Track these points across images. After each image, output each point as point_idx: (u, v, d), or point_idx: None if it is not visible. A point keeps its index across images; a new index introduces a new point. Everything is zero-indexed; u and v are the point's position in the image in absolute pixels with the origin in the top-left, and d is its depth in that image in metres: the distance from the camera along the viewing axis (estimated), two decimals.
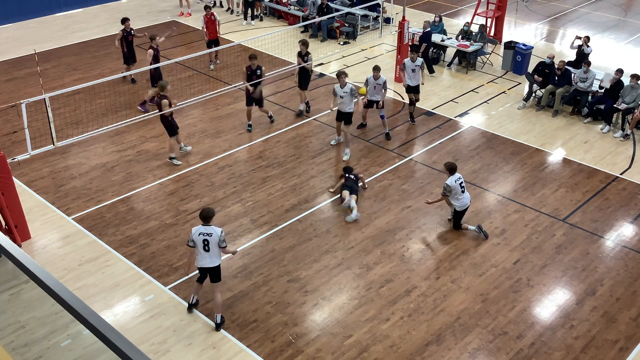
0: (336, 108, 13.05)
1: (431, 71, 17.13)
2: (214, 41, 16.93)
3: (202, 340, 8.54)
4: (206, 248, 8.42)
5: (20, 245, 10.20)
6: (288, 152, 13.30)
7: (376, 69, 13.38)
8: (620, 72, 14.36)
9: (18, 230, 10.21)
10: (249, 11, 20.89)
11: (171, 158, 12.79)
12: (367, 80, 13.56)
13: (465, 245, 10.56)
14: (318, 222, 11.10)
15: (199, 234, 8.41)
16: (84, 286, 9.49)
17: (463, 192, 10.59)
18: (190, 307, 9.09)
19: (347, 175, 11.84)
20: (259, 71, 13.71)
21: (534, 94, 15.59)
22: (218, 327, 8.79)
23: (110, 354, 2.75)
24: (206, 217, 8.48)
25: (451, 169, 10.56)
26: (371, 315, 9.05)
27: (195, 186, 12.08)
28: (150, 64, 14.43)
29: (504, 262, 10.19)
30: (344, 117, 13.01)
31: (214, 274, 8.65)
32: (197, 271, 8.87)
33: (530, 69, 16.19)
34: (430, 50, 17.33)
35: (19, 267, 3.19)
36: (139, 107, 14.92)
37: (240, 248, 10.42)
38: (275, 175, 12.48)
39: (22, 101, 11.75)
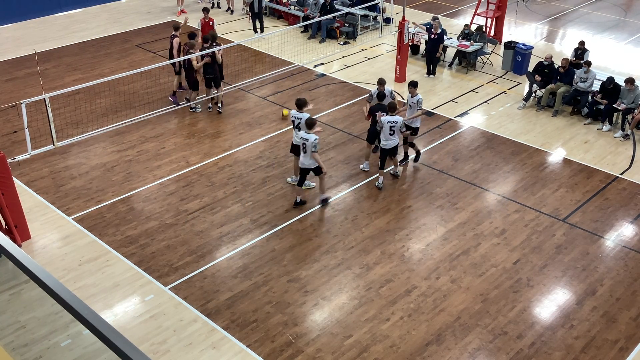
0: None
1: (432, 73, 17.04)
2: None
3: (202, 340, 8.55)
4: (304, 150, 10.82)
5: (20, 245, 10.20)
6: (288, 152, 13.29)
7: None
8: (611, 81, 14.25)
9: (18, 230, 10.21)
10: (257, 23, 19.62)
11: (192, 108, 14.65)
12: (370, 95, 12.75)
13: (465, 245, 10.56)
14: (318, 222, 11.10)
15: (300, 138, 10.91)
16: (84, 286, 9.49)
17: (392, 134, 11.55)
18: (297, 204, 11.35)
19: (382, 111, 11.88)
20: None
21: (534, 94, 15.59)
22: (323, 203, 11.47)
23: (110, 354, 2.75)
24: (310, 125, 10.82)
25: (391, 108, 11.59)
26: (371, 315, 9.05)
27: (195, 186, 12.08)
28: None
29: (504, 262, 10.19)
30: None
31: (314, 171, 11.05)
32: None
33: (530, 69, 16.18)
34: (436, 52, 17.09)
35: (19, 267, 3.19)
36: (169, 98, 15.30)
37: (240, 248, 10.42)
38: (275, 175, 12.48)
39: (22, 101, 11.74)
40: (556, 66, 15.23)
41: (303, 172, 11.17)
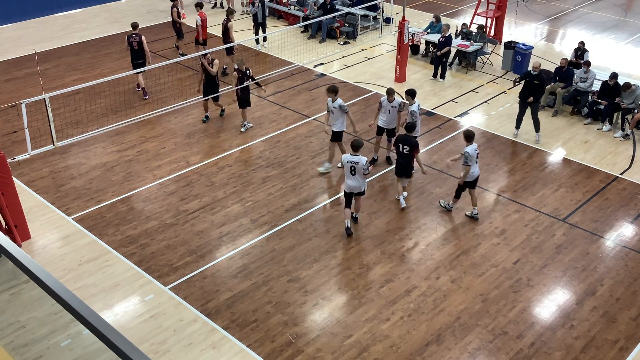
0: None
1: (443, 77, 16.88)
2: (202, 41, 16.93)
3: (202, 340, 8.55)
4: (352, 173, 10.25)
5: (20, 245, 10.20)
6: (288, 152, 13.30)
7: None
8: (614, 77, 14.26)
9: (18, 230, 10.21)
10: (260, 32, 18.86)
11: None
12: (380, 103, 12.39)
13: (465, 245, 10.56)
14: (318, 222, 11.10)
15: (347, 161, 10.26)
16: (84, 286, 9.49)
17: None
18: (348, 230, 10.68)
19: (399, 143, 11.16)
20: (248, 72, 13.74)
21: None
22: (355, 219, 11.00)
23: (110, 354, 2.75)
24: (356, 146, 10.28)
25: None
26: (371, 315, 9.05)
27: (195, 186, 12.08)
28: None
29: (504, 262, 10.19)
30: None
31: (359, 193, 10.59)
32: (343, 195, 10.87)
33: (529, 69, 16.08)
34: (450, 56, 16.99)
35: (19, 267, 3.19)
36: (144, 98, 15.44)
37: (240, 248, 10.43)
38: (275, 175, 12.48)
39: (22, 101, 11.74)
40: (559, 64, 15.16)
41: (349, 198, 10.56)
